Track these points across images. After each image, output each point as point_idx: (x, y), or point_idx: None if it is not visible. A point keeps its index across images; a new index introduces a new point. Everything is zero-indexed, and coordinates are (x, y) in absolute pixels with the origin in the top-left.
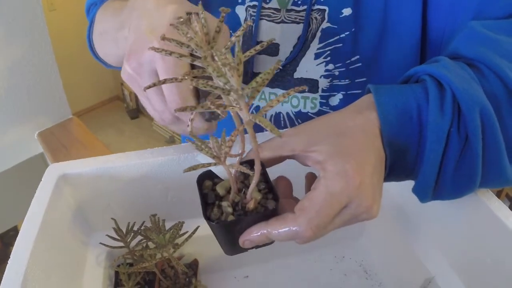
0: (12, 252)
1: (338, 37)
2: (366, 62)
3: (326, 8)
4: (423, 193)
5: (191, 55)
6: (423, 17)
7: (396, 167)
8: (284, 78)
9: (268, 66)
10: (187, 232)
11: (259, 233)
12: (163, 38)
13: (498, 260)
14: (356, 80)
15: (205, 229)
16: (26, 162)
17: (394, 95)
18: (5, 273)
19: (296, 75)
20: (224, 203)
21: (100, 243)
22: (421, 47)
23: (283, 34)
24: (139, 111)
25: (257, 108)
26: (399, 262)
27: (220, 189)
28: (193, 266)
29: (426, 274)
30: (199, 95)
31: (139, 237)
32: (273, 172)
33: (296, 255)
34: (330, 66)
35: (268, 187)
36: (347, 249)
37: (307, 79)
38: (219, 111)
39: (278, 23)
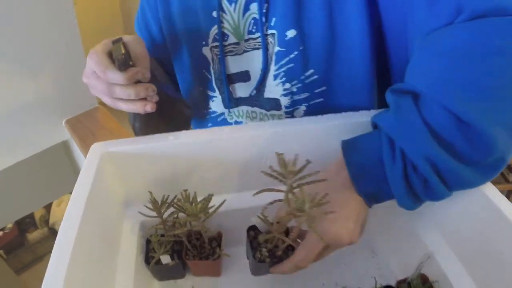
0: (62, 223)
1: (288, 58)
2: (321, 73)
3: (275, 32)
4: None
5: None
6: (376, 18)
7: (379, 199)
8: (259, 98)
9: (244, 91)
10: (214, 205)
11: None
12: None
13: (490, 237)
14: (316, 91)
15: (228, 205)
16: (47, 151)
17: (360, 154)
18: (56, 242)
19: (266, 95)
20: (263, 250)
21: (139, 212)
22: (381, 44)
23: (249, 61)
24: None
25: (239, 122)
26: (401, 241)
27: (261, 238)
28: (218, 238)
29: (425, 251)
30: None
31: (171, 210)
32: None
33: None
34: (287, 85)
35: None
36: None
37: (270, 99)
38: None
39: (241, 54)
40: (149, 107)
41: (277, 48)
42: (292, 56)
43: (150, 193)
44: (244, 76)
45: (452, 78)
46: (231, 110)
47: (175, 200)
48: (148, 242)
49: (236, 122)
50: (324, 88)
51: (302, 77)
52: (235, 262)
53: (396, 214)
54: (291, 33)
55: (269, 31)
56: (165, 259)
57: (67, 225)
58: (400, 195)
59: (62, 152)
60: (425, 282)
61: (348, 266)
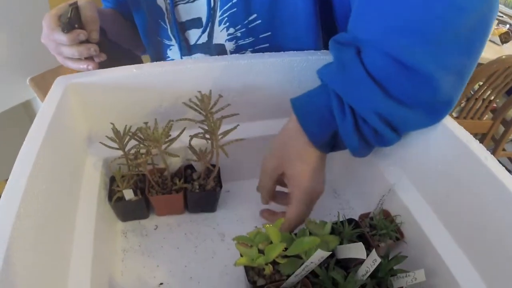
0: (20, 152)
1: (231, 3)
2: (265, 18)
3: None
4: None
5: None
6: None
7: (334, 149)
8: (209, 45)
9: (197, 38)
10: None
11: None
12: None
13: (447, 165)
14: (260, 36)
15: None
16: (9, 111)
17: (311, 111)
18: (12, 170)
19: (214, 41)
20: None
21: (100, 142)
22: None
23: (200, 9)
24: None
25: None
26: (364, 181)
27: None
28: (179, 174)
29: (387, 187)
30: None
31: (133, 144)
32: None
33: None
34: (231, 30)
35: None
36: None
37: (217, 44)
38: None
39: (193, 1)
40: (92, 66)
41: None
42: (234, 0)
43: (113, 124)
44: (197, 23)
45: (393, 24)
46: (186, 57)
47: (136, 132)
48: (112, 180)
49: None
50: (269, 33)
51: (246, 22)
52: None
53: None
54: None
55: None
56: (128, 194)
57: (23, 157)
58: (353, 146)
59: (22, 112)
60: (387, 217)
61: None
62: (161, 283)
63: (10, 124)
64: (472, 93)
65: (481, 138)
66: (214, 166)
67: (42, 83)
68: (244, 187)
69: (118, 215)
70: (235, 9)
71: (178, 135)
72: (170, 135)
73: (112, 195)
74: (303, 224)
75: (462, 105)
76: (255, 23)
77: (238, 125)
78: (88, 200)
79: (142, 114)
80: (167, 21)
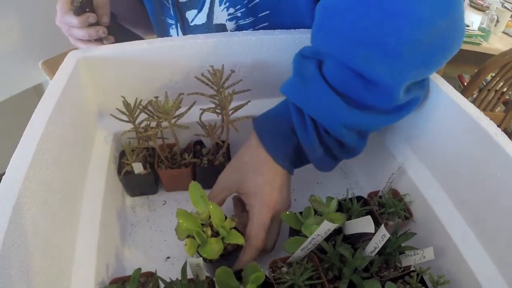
0: (30, 120)
1: None
2: None
3: None
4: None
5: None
6: None
7: (299, 165)
8: (209, 25)
9: (198, 18)
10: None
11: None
12: None
13: (457, 142)
14: (260, 15)
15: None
16: (21, 94)
17: (272, 127)
18: (22, 136)
19: (214, 21)
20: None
21: (111, 114)
22: None
23: None
24: None
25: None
26: (372, 159)
27: None
28: (189, 150)
29: (396, 165)
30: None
31: (143, 117)
32: None
33: None
34: (231, 10)
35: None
36: None
37: (218, 25)
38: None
39: None
40: None
41: None
42: None
43: (123, 97)
44: (196, 4)
45: (352, 38)
46: None
47: (147, 105)
48: (122, 154)
49: None
50: (267, 12)
51: (245, 1)
52: None
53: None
54: None
55: None
56: (137, 167)
57: (33, 125)
58: (317, 158)
59: (34, 96)
60: (396, 196)
61: (320, 186)
62: (168, 257)
63: (21, 107)
64: (485, 84)
65: None
66: (223, 142)
67: (55, 67)
68: None
69: (127, 189)
70: None
71: (189, 108)
72: (180, 107)
73: (121, 168)
74: (271, 247)
75: (474, 95)
76: (254, 2)
77: (249, 101)
78: (97, 173)
79: (153, 88)
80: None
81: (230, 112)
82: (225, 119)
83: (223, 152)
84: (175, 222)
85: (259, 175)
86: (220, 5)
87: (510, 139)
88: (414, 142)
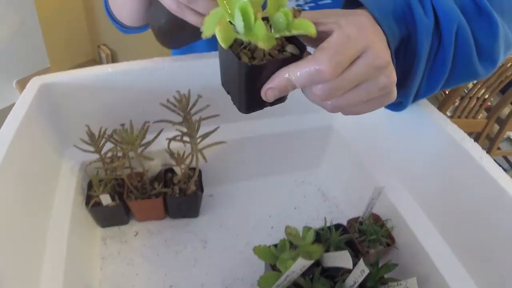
0: None
1: None
2: None
3: None
4: (408, 95)
5: None
6: None
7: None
8: None
9: None
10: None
11: (281, 78)
12: None
13: (440, 165)
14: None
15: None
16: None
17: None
18: None
19: None
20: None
21: (74, 145)
22: None
23: None
24: None
25: None
26: (353, 182)
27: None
28: (159, 178)
29: (377, 189)
30: None
31: (109, 147)
32: None
33: (262, 177)
34: None
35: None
36: (307, 175)
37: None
38: None
39: None
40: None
41: None
42: None
43: (87, 126)
44: None
45: None
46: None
47: (112, 134)
48: (90, 185)
49: None
50: None
51: None
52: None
53: (345, 157)
54: None
55: None
56: (105, 199)
57: None
58: (422, 54)
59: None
60: (377, 221)
61: (298, 210)
62: None
63: None
64: (466, 91)
65: (476, 137)
66: (194, 169)
67: None
68: (228, 192)
69: (96, 221)
70: None
71: (154, 138)
72: (145, 138)
73: (89, 200)
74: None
75: (456, 104)
76: None
77: (218, 127)
78: (62, 205)
79: (118, 115)
80: None
81: (199, 139)
82: (193, 147)
83: (195, 181)
84: (147, 255)
85: (358, 16)
86: None
87: (493, 145)
88: (396, 164)
